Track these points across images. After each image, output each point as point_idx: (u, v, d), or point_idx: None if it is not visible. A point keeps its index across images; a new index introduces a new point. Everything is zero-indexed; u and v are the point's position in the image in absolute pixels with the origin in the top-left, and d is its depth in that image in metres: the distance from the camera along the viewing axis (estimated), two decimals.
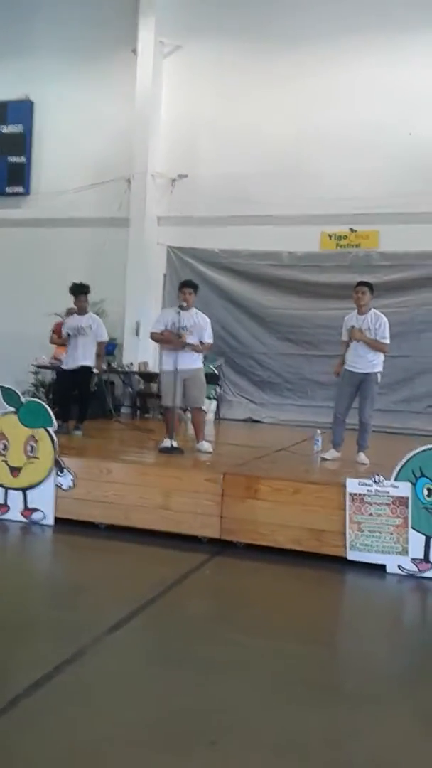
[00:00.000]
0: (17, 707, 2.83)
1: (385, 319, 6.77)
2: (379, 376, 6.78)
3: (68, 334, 7.76)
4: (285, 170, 11.09)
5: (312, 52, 11.19)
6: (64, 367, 7.94)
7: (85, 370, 7.74)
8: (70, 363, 7.80)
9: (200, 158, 11.78)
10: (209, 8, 11.70)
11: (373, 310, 6.83)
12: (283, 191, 11.01)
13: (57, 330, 8.60)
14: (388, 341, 6.75)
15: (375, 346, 6.69)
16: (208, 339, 6.91)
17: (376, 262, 10.87)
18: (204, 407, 7.35)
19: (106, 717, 2.83)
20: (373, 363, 6.72)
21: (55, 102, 12.53)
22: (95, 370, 7.90)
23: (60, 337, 7.92)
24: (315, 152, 11.03)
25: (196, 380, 6.87)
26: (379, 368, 6.75)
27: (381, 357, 6.76)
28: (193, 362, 6.84)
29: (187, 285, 7.05)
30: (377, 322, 6.73)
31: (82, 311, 7.86)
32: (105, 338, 7.91)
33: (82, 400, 7.91)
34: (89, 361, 7.73)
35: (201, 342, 6.86)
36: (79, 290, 7.85)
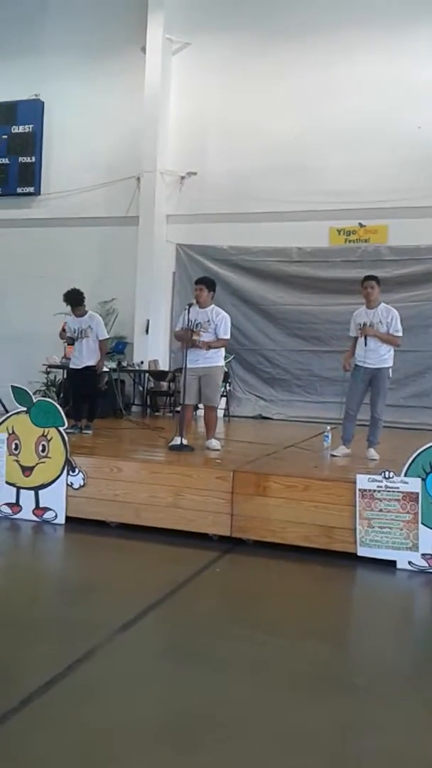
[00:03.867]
0: (30, 706, 2.86)
1: (396, 312, 6.74)
2: (390, 371, 6.77)
3: (70, 339, 7.79)
4: (293, 166, 11.09)
5: (319, 46, 11.18)
6: (71, 366, 8.00)
7: (91, 370, 7.80)
8: (76, 363, 7.86)
9: (209, 155, 11.79)
10: (217, 5, 11.70)
11: (383, 303, 6.81)
12: (291, 187, 11.01)
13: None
14: (401, 334, 6.71)
15: (388, 339, 6.66)
16: (223, 335, 6.84)
17: (385, 257, 10.86)
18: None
19: (118, 715, 2.86)
20: (385, 358, 6.69)
21: (64, 101, 12.57)
22: (98, 369, 7.90)
23: (63, 339, 7.94)
24: (323, 147, 11.01)
25: (209, 378, 6.84)
26: (390, 363, 6.73)
27: (392, 351, 6.74)
28: (207, 360, 6.81)
29: (198, 282, 7.05)
30: (389, 315, 6.69)
31: (80, 314, 7.86)
32: (105, 336, 7.92)
33: (90, 399, 7.96)
34: (93, 360, 7.78)
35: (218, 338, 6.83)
36: (78, 301, 7.79)
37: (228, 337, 6.94)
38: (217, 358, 6.92)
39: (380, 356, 6.66)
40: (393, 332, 6.66)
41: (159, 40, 11.69)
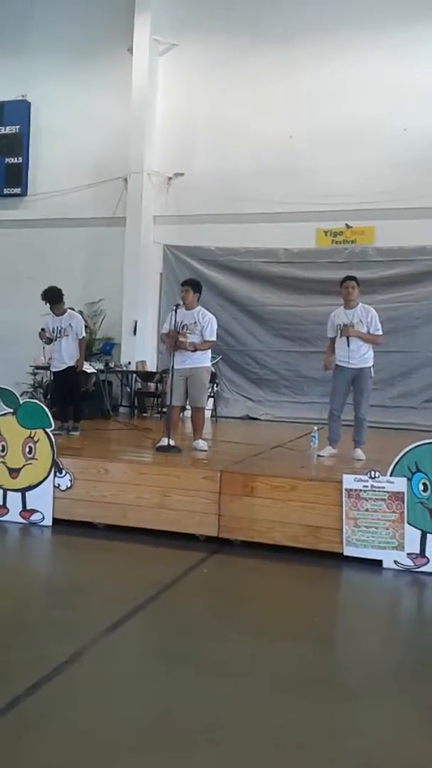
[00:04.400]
0: (17, 708, 2.86)
1: (374, 311, 6.82)
2: (372, 369, 6.82)
3: (49, 340, 7.71)
4: (280, 167, 11.12)
5: (305, 48, 11.23)
6: (52, 369, 7.93)
7: (72, 371, 7.75)
8: (56, 365, 7.80)
9: (196, 156, 11.81)
10: (204, 6, 11.72)
11: (360, 304, 6.87)
12: (278, 188, 11.04)
13: None
14: (381, 332, 6.80)
15: (370, 339, 6.73)
16: (209, 337, 6.87)
17: (371, 258, 10.91)
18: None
19: (106, 717, 2.86)
20: (366, 357, 6.75)
21: (51, 102, 12.56)
22: (78, 368, 7.85)
23: (42, 339, 7.84)
24: (309, 149, 11.06)
25: (196, 379, 6.87)
26: (371, 362, 6.79)
27: (372, 350, 6.80)
28: (194, 361, 6.84)
29: (184, 283, 7.09)
30: (368, 315, 6.76)
31: (59, 313, 7.80)
32: (82, 334, 7.83)
33: (73, 400, 7.93)
34: (73, 360, 7.73)
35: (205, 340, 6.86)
36: (57, 299, 7.69)
37: (214, 338, 6.97)
38: (204, 359, 6.94)
39: (362, 356, 6.73)
40: (374, 332, 6.74)
41: (146, 41, 11.70)
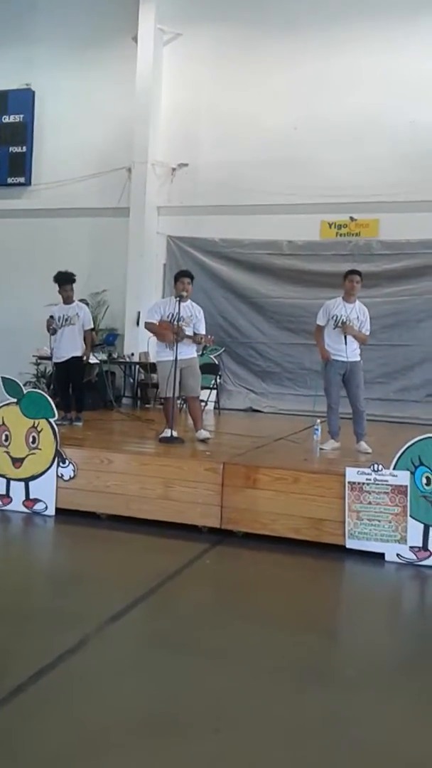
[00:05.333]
0: (20, 697, 2.87)
1: (367, 311, 6.91)
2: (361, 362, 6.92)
3: (54, 329, 7.70)
4: (285, 159, 11.06)
5: (311, 39, 11.15)
6: (54, 360, 7.90)
7: (76, 361, 7.73)
8: (58, 355, 7.76)
9: (200, 147, 11.75)
10: None
11: (358, 300, 6.89)
12: (282, 180, 10.98)
13: None
14: (369, 333, 6.95)
15: (362, 338, 6.85)
16: (202, 330, 6.96)
17: (376, 251, 10.86)
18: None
19: (109, 706, 2.87)
20: (357, 351, 6.84)
21: (56, 91, 12.49)
22: (85, 359, 7.88)
23: (49, 330, 7.82)
24: (314, 140, 10.99)
25: (192, 369, 6.94)
26: (359, 356, 6.88)
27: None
28: (190, 352, 6.91)
29: (186, 275, 7.05)
30: (364, 314, 6.87)
31: (67, 300, 7.80)
32: (91, 325, 7.86)
33: (77, 390, 7.92)
34: (78, 351, 7.70)
35: (195, 333, 6.90)
36: (65, 279, 7.74)
37: (204, 331, 7.06)
38: (194, 350, 7.03)
39: (353, 350, 6.81)
40: (365, 331, 6.86)
41: (150, 30, 11.62)
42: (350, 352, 6.74)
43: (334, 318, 6.78)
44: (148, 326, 7.06)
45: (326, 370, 6.90)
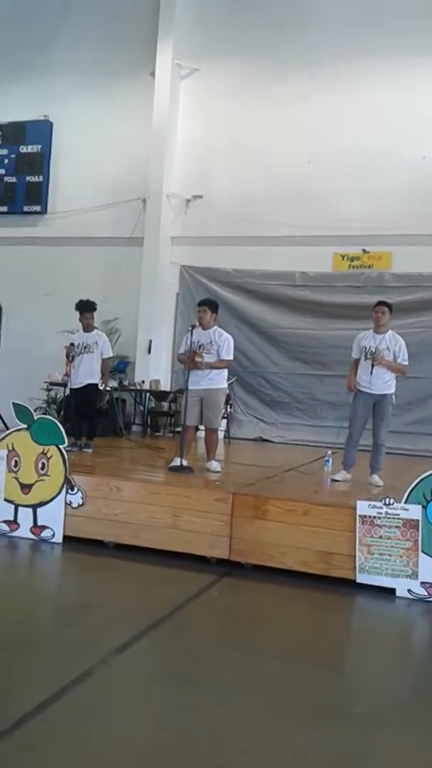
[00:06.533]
0: (25, 727, 2.82)
1: (402, 340, 6.78)
2: (393, 396, 6.78)
3: (72, 356, 7.76)
4: (299, 191, 11.17)
5: (325, 74, 11.31)
6: (71, 386, 7.95)
7: (92, 388, 7.78)
8: (75, 381, 7.81)
9: (214, 179, 11.89)
10: (226, 31, 11.85)
11: (390, 331, 6.83)
12: (295, 212, 11.07)
13: None
14: (407, 363, 6.77)
15: (397, 369, 6.70)
16: (225, 356, 6.85)
17: (388, 283, 10.89)
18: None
19: (113, 738, 2.82)
20: (389, 384, 6.71)
21: (73, 122, 12.70)
22: (102, 387, 7.91)
23: (68, 357, 7.88)
24: (328, 173, 11.10)
25: (210, 400, 6.84)
26: (393, 389, 6.75)
27: (394, 378, 6.76)
28: (209, 382, 6.81)
29: (201, 303, 7.11)
30: (397, 343, 6.73)
31: (87, 328, 7.89)
32: (109, 354, 7.95)
33: (90, 417, 7.94)
34: (95, 378, 7.77)
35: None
36: (86, 307, 7.87)
37: (231, 358, 6.94)
38: (219, 380, 6.91)
39: (385, 382, 6.67)
40: (401, 361, 6.71)
41: (168, 65, 11.84)
42: (379, 384, 6.65)
43: (364, 349, 6.75)
44: (178, 357, 7.23)
45: (353, 401, 6.86)
